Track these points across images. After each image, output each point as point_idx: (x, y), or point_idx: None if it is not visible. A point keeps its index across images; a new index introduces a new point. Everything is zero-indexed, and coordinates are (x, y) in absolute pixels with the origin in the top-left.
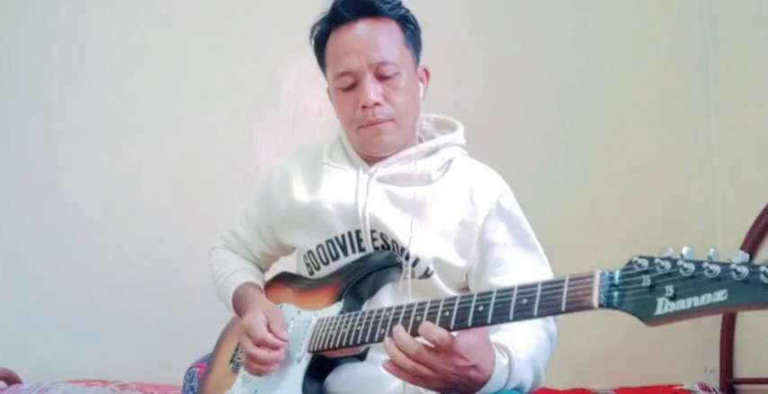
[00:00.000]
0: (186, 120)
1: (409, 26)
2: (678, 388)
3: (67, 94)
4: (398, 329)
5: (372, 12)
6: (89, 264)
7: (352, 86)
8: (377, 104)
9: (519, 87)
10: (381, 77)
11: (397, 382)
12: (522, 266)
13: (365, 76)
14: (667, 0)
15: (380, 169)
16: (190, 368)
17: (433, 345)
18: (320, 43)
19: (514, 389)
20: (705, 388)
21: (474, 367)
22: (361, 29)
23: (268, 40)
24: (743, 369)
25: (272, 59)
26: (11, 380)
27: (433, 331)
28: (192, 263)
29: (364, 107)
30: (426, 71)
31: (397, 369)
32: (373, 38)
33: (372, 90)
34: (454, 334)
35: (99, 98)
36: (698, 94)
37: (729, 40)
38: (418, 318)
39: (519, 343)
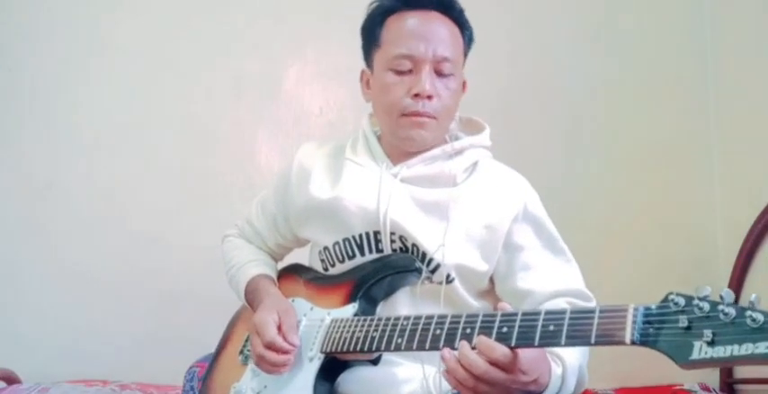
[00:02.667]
0: (186, 120)
1: (467, 33)
2: (678, 388)
3: (67, 94)
4: (464, 345)
5: (447, 8)
6: (89, 264)
7: (408, 71)
8: (429, 97)
9: (520, 88)
10: (439, 73)
11: (411, 386)
12: (550, 269)
13: (425, 66)
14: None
15: (404, 169)
16: (190, 368)
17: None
18: (378, 19)
19: None
20: (705, 388)
21: (534, 381)
22: (436, 20)
23: (268, 40)
24: (743, 369)
25: (272, 59)
26: (11, 380)
27: (494, 349)
28: (192, 263)
29: (417, 95)
30: (464, 83)
31: (455, 383)
32: (444, 32)
33: (430, 81)
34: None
35: (99, 98)
36: (698, 94)
37: (729, 39)
38: (437, 332)
39: (570, 350)
